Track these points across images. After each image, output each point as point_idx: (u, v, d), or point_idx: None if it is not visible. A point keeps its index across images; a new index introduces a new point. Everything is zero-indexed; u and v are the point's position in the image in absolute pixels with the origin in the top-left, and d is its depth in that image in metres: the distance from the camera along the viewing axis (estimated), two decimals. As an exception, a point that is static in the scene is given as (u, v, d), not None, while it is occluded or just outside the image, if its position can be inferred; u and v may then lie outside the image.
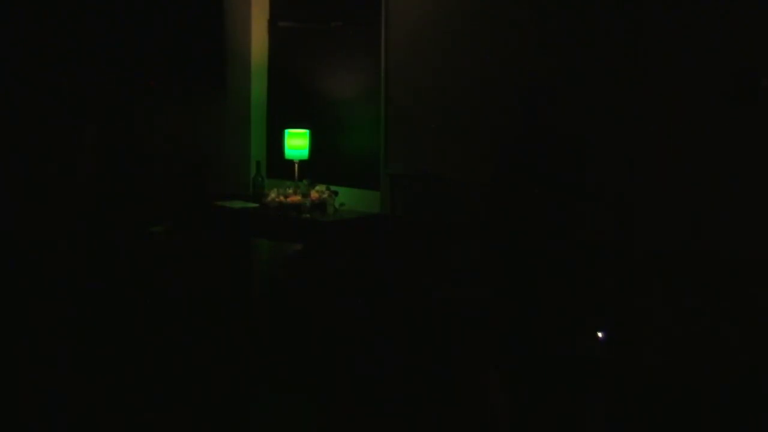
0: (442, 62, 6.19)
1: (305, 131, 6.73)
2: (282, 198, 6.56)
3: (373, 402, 5.03)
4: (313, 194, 6.48)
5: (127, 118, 7.52)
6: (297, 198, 6.50)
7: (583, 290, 4.81)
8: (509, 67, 5.89)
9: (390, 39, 6.40)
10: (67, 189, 7.24)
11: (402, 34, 6.34)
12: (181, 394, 5.02)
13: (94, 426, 4.68)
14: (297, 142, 6.70)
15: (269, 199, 6.60)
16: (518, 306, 4.83)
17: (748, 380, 5.04)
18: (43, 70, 7.25)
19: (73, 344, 5.69)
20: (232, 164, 7.23)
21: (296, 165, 6.70)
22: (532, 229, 4.85)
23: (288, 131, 6.74)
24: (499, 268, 5.02)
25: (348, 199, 6.59)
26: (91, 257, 6.94)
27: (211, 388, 5.11)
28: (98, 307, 6.28)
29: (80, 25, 7.31)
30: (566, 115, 5.54)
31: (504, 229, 4.93)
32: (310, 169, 6.72)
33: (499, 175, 4.96)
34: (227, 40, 7.18)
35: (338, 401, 5.04)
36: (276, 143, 7.00)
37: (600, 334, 4.94)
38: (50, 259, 6.84)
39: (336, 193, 6.49)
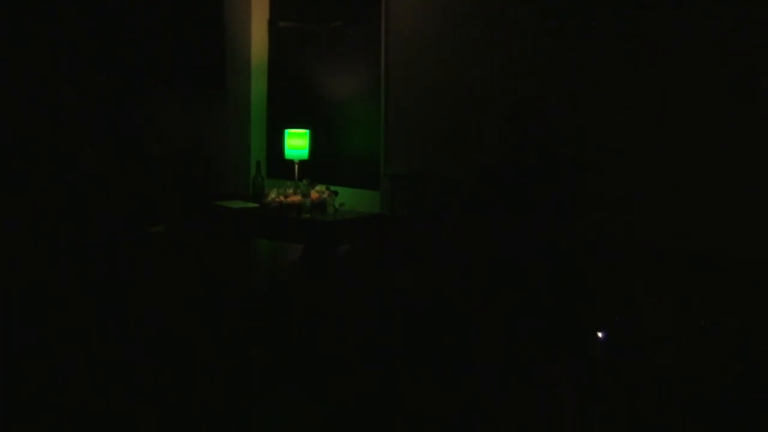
0: (441, 62, 6.19)
1: (305, 131, 6.73)
2: (282, 198, 6.56)
3: (373, 401, 5.03)
4: (313, 194, 6.47)
5: (127, 118, 7.53)
6: (297, 198, 6.50)
7: (582, 290, 4.80)
8: (509, 66, 5.89)
9: (390, 39, 6.40)
10: (67, 189, 7.24)
11: (402, 34, 6.34)
12: (181, 394, 5.02)
13: (94, 426, 4.69)
14: (297, 142, 6.69)
15: (269, 199, 6.60)
16: (516, 305, 4.82)
17: (748, 380, 5.04)
18: (43, 70, 7.25)
19: (73, 344, 5.69)
20: (232, 164, 7.23)
21: (296, 165, 6.70)
22: (529, 229, 4.85)
23: (288, 131, 6.74)
24: (498, 269, 5.02)
25: (348, 199, 6.58)
26: (91, 257, 6.94)
27: (211, 388, 5.11)
28: (98, 307, 6.28)
29: (81, 26, 7.32)
30: (565, 115, 5.54)
31: (500, 228, 4.93)
32: (310, 169, 6.72)
33: (490, 173, 4.94)
34: (227, 40, 7.18)
35: (339, 401, 5.04)
36: (276, 143, 7.00)
37: (600, 334, 4.94)
38: (50, 259, 6.84)
39: (336, 193, 6.49)
